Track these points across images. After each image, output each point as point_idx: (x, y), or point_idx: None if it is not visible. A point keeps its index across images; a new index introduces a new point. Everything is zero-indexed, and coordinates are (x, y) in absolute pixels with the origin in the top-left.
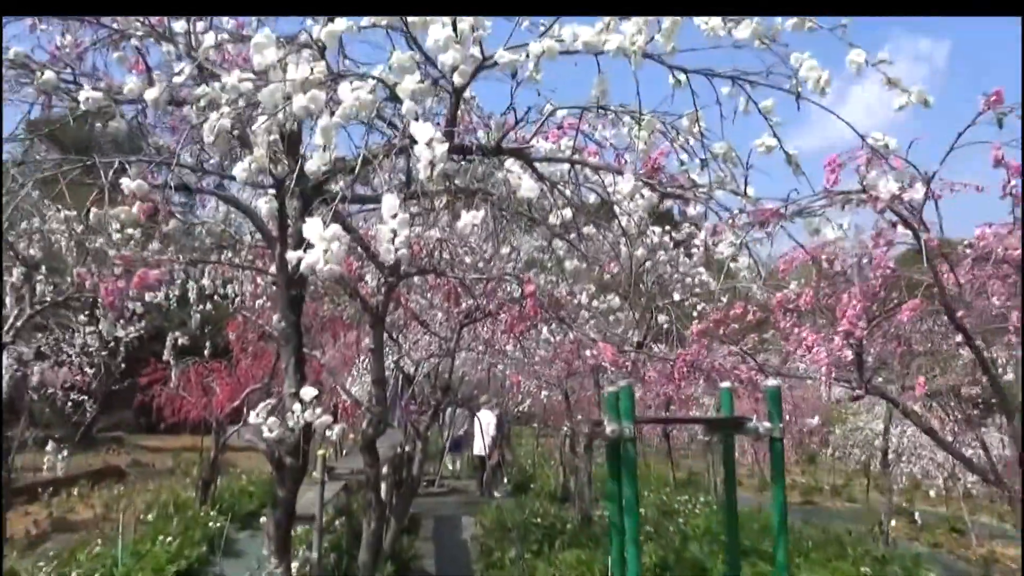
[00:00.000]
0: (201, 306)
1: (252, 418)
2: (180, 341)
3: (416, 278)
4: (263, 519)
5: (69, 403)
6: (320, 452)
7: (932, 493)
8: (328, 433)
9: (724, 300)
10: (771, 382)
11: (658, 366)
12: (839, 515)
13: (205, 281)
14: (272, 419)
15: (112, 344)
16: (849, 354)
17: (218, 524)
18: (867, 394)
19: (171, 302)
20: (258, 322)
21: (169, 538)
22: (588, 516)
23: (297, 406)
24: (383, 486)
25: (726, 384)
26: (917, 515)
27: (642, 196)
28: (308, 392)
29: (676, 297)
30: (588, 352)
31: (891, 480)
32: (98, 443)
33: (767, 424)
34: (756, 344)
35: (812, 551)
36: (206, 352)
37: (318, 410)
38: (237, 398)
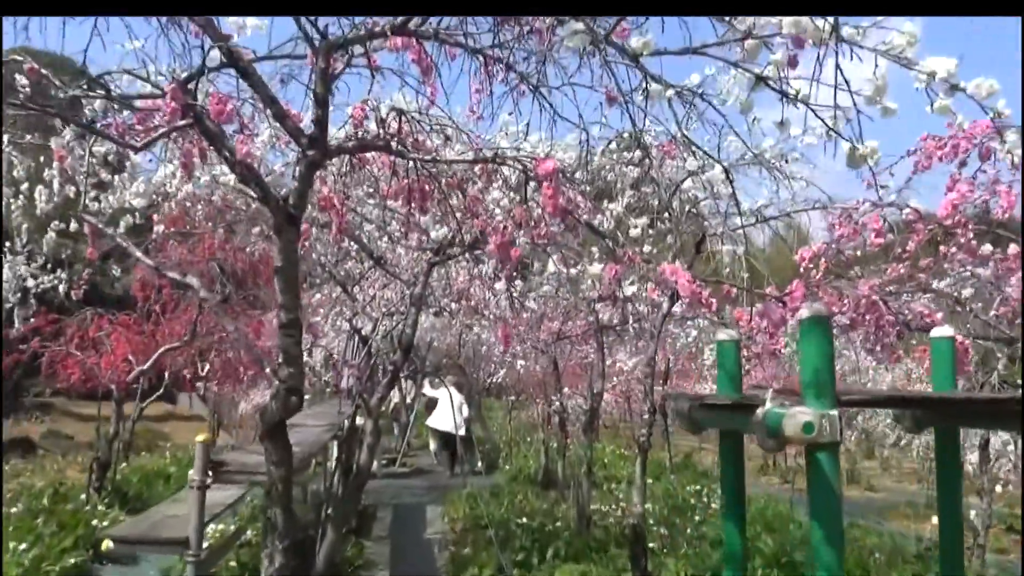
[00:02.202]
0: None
1: None
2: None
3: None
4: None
5: None
6: (200, 438)
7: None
8: None
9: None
10: (942, 331)
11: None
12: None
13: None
14: None
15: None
16: None
17: (105, 522)
18: None
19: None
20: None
21: (23, 545)
22: (586, 515)
23: None
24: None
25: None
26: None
27: None
28: None
29: (740, 221)
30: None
31: (990, 479)
32: (27, 409)
33: None
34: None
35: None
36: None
37: None
38: (148, 359)
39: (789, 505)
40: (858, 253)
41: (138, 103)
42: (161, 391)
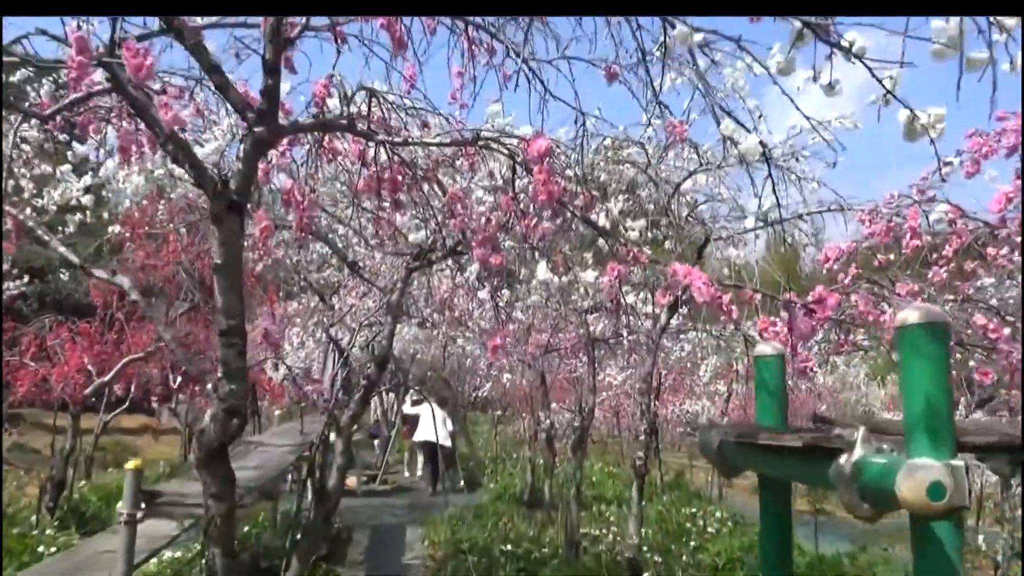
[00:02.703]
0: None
1: None
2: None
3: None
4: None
5: None
6: (130, 465)
7: None
8: None
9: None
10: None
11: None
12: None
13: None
14: None
15: None
16: None
17: (54, 548)
18: None
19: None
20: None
21: None
22: (575, 540)
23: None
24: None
25: None
26: None
27: None
28: None
29: (750, 222)
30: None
31: (1011, 506)
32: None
33: None
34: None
35: None
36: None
37: None
38: (110, 369)
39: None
40: (891, 257)
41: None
42: (127, 404)
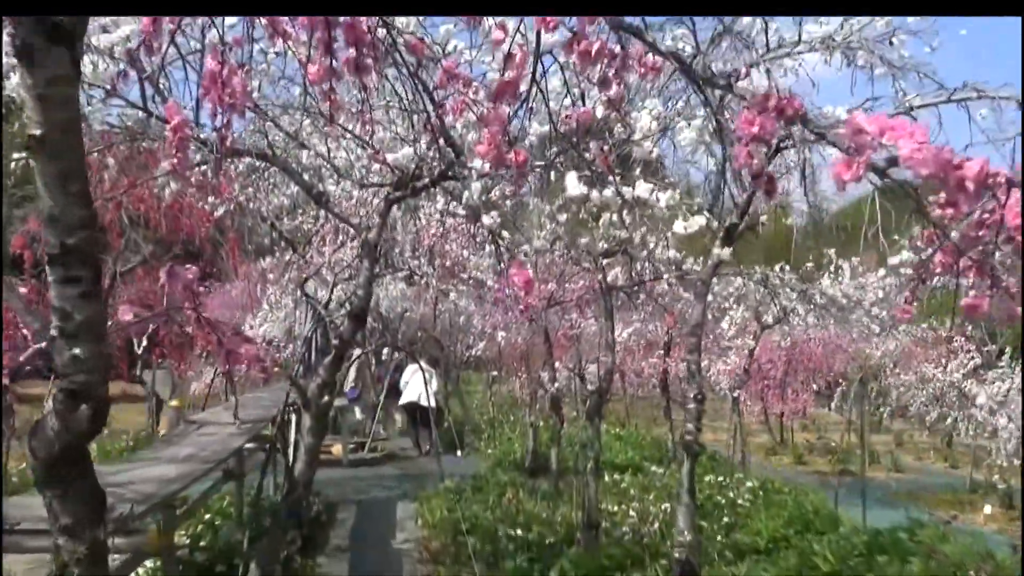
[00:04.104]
0: None
1: None
2: None
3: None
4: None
5: None
6: None
7: None
8: None
9: None
10: None
11: None
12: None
13: None
14: None
15: None
16: None
17: None
18: None
19: None
20: None
21: None
22: (594, 523)
23: None
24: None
25: None
26: None
27: None
28: None
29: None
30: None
31: None
32: None
33: None
34: None
35: None
36: None
37: None
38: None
39: (834, 499)
40: None
41: None
42: None
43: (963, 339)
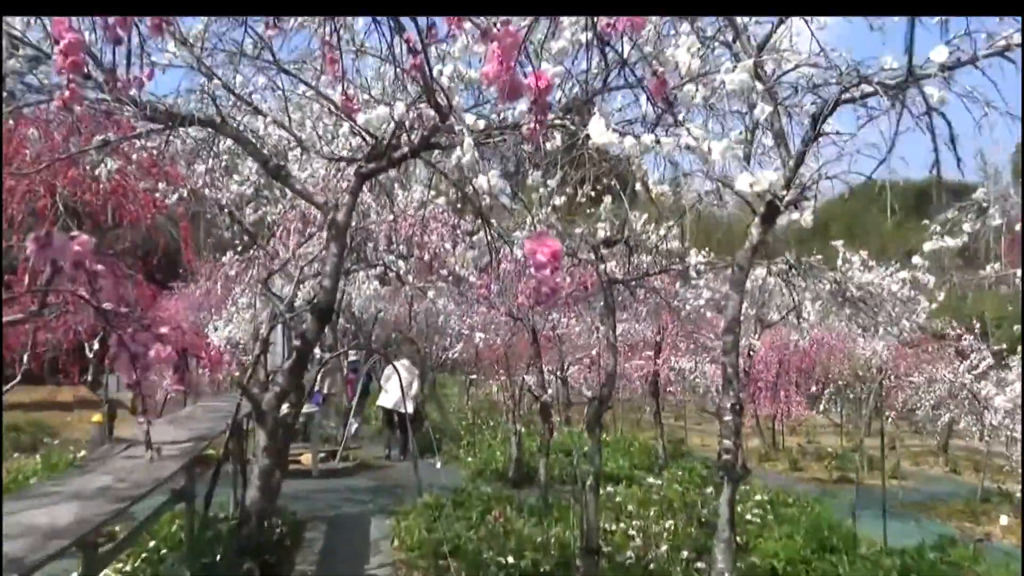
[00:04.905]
0: None
1: None
2: None
3: None
4: None
5: None
6: None
7: None
8: None
9: None
10: None
11: None
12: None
13: None
14: None
15: None
16: None
17: None
18: None
19: None
20: None
21: None
22: (594, 547)
23: None
24: None
25: None
26: None
27: None
28: None
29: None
30: None
31: None
32: None
33: None
34: None
35: None
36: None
37: None
38: None
39: (851, 514)
40: None
41: None
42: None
43: (972, 339)
